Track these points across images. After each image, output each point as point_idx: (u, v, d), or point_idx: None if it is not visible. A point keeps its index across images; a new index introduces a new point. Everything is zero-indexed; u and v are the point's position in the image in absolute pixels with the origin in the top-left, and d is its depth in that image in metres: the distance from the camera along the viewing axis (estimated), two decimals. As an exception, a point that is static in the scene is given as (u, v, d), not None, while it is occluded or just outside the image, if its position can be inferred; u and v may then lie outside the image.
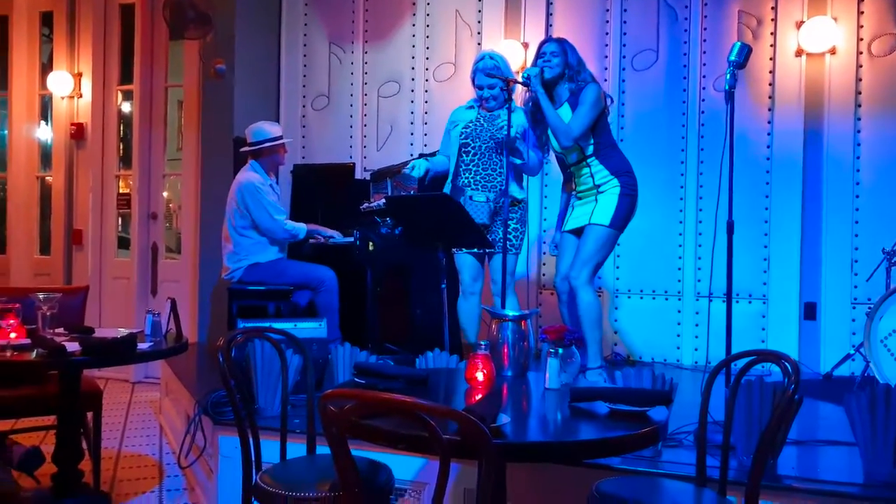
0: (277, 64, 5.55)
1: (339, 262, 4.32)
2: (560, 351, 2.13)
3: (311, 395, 2.27)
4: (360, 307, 4.31)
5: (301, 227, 4.30)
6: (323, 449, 1.94)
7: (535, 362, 2.49)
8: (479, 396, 1.86)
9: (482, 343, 2.07)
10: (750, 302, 4.62)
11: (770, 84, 4.62)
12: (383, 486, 1.98)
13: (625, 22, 4.86)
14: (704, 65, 4.73)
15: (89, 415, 3.10)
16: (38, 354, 2.51)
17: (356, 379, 2.01)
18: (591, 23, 4.93)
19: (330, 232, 4.40)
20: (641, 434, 1.66)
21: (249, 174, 4.26)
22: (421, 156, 4.29)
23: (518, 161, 3.60)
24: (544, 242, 4.94)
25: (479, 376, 1.96)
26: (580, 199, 3.56)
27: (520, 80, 3.53)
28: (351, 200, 4.65)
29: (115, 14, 5.88)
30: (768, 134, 4.63)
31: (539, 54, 3.52)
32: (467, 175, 3.67)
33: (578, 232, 3.51)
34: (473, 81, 3.71)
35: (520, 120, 3.60)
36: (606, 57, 4.87)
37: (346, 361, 3.17)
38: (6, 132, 6.31)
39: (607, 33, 4.88)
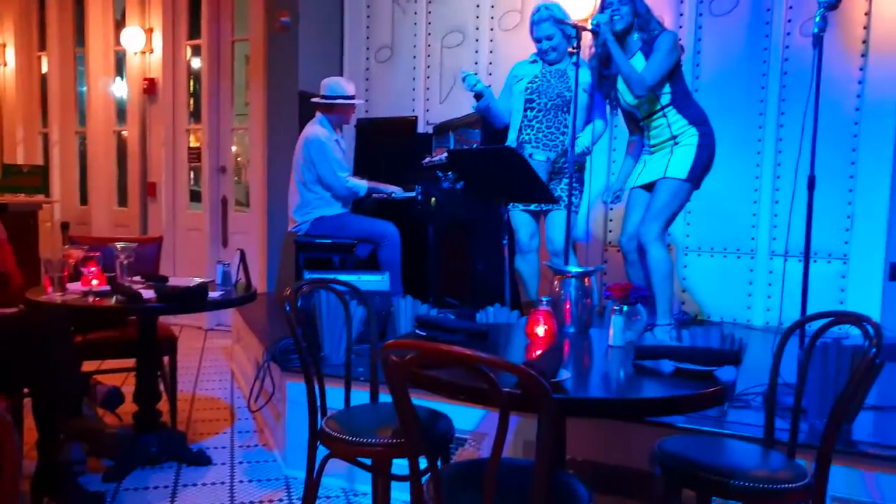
0: (341, 15, 5.52)
1: (401, 217, 4.34)
2: (625, 308, 2.09)
3: (374, 345, 2.31)
4: (422, 262, 4.33)
5: (362, 185, 4.33)
6: (386, 398, 1.97)
7: (598, 319, 2.45)
8: (539, 352, 1.85)
9: (543, 299, 2.05)
10: (829, 262, 4.42)
11: (864, 27, 4.30)
12: (443, 434, 2.00)
13: (702, -36, 4.62)
14: (790, 7, 4.45)
15: (166, 359, 3.25)
16: (117, 301, 2.63)
17: (417, 331, 2.02)
18: (665, -34, 4.70)
19: (391, 188, 4.42)
20: (707, 394, 1.62)
21: (317, 128, 4.29)
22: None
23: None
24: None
25: (540, 332, 1.94)
26: (653, 152, 3.45)
27: (589, 27, 3.40)
28: (413, 155, 4.65)
29: (183, -32, 5.96)
30: (859, 82, 4.34)
31: (606, 4, 3.38)
32: (529, 132, 3.60)
33: (650, 187, 3.41)
34: (532, 35, 3.60)
35: (585, 78, 3.49)
36: (682, 2, 4.65)
37: (408, 314, 3.20)
38: (85, 88, 6.52)
39: (683, -24, 4.66)
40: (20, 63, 6.69)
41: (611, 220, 4.87)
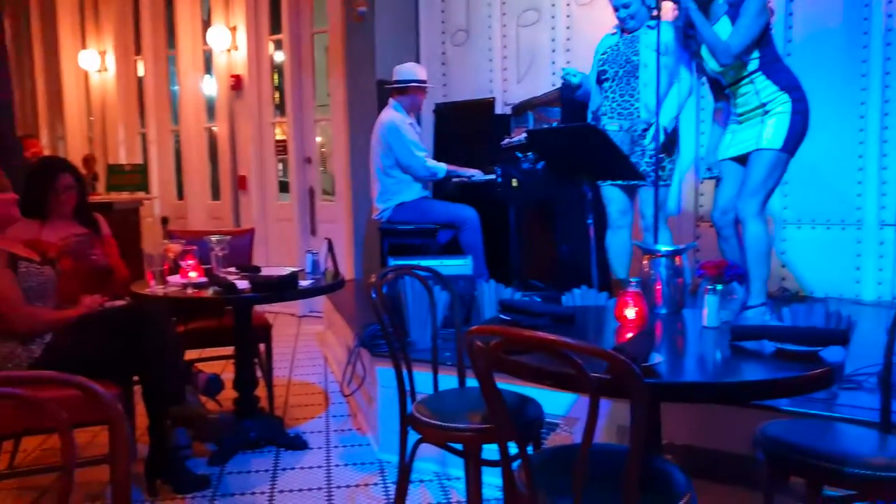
0: (416, 2, 5.51)
1: (482, 200, 4.32)
2: (719, 287, 1.99)
3: (459, 330, 2.31)
4: (505, 244, 4.30)
5: (441, 167, 4.34)
6: (473, 382, 1.96)
7: (690, 299, 2.36)
8: (629, 335, 1.79)
9: (633, 280, 1.99)
10: (947, 230, 4.10)
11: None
12: (533, 419, 1.98)
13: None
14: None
15: (262, 346, 3.36)
16: (214, 292, 2.75)
17: (501, 315, 2.00)
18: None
19: (470, 171, 4.41)
20: (813, 376, 1.52)
21: (392, 113, 4.34)
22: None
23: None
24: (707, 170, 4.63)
25: (630, 314, 1.89)
26: (741, 122, 3.28)
27: None
28: (492, 136, 4.61)
29: (263, -35, 6.11)
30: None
31: None
32: (606, 103, 3.51)
33: (742, 159, 3.24)
34: (611, 3, 3.49)
35: (666, 38, 3.33)
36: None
37: (492, 298, 3.19)
38: (177, 88, 6.81)
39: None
40: (119, 68, 7.06)
41: (702, 195, 4.68)
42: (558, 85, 4.45)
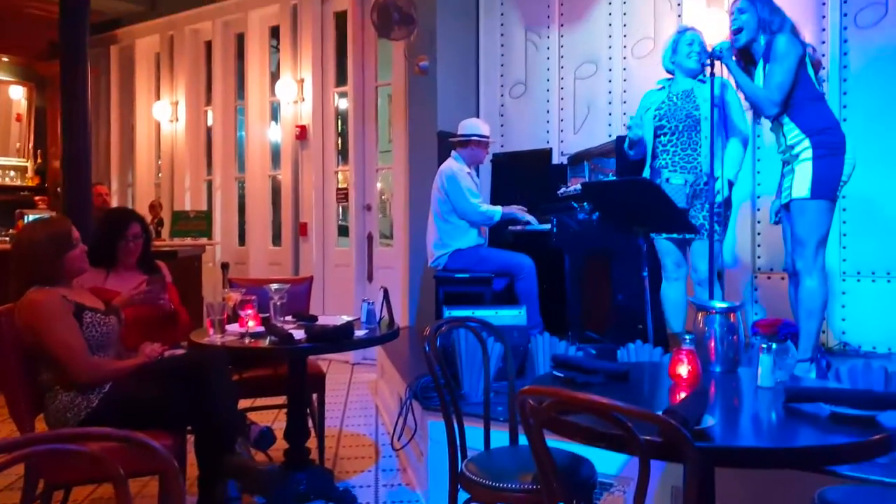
0: (476, 56, 5.67)
1: (538, 249, 4.35)
2: (774, 346, 1.97)
3: (512, 385, 2.32)
4: (560, 294, 4.30)
5: (496, 210, 4.40)
6: (525, 439, 1.97)
7: (746, 356, 2.32)
8: (682, 394, 1.79)
9: (687, 336, 1.98)
10: None
11: None
12: (585, 479, 1.97)
13: (847, -25, 4.32)
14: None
15: (314, 396, 3.41)
16: (271, 342, 2.77)
17: (555, 372, 2.02)
18: (806, -23, 4.44)
19: (527, 217, 4.44)
20: (871, 442, 1.49)
21: (451, 163, 4.47)
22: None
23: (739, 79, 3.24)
24: (758, 222, 4.57)
25: (684, 372, 1.88)
26: (785, 165, 3.25)
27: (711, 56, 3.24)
28: (548, 185, 4.66)
29: (330, 22, 6.39)
30: None
31: (731, 16, 3.25)
32: (665, 157, 3.52)
33: (789, 207, 3.21)
34: (675, 50, 3.54)
35: (721, 91, 3.36)
36: (824, 17, 4.36)
37: (546, 351, 3.19)
38: (244, 137, 7.11)
39: (825, -11, 4.37)
40: (189, 118, 7.42)
41: (759, 246, 4.60)
42: (614, 136, 4.49)
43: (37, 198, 7.43)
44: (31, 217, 5.93)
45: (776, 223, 3.43)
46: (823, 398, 1.67)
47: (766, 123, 3.47)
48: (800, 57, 3.06)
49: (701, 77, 3.46)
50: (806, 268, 3.07)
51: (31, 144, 8.26)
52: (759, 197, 4.57)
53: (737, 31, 3.19)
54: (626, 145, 3.68)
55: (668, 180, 3.44)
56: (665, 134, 3.52)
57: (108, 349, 2.61)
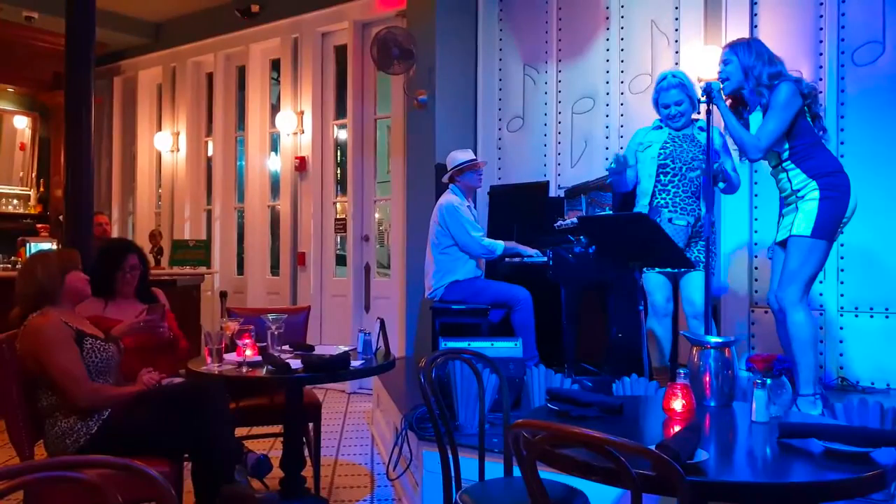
0: (474, 90, 5.74)
1: (534, 281, 4.36)
2: (768, 381, 1.99)
3: (507, 418, 2.33)
4: (556, 326, 4.32)
5: (498, 244, 4.43)
6: (520, 470, 1.98)
7: (741, 391, 2.33)
8: (676, 429, 1.80)
9: (681, 371, 2.00)
10: None
11: None
12: (579, 513, 1.97)
13: (843, 14, 4.40)
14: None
15: (311, 425, 3.41)
16: (268, 371, 2.82)
17: (549, 405, 2.03)
18: (802, 16, 4.52)
19: (530, 251, 4.47)
20: (865, 478, 1.51)
21: (449, 196, 4.50)
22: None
23: (722, 185, 3.46)
24: (755, 256, 4.60)
25: (678, 407, 1.89)
26: (786, 205, 3.31)
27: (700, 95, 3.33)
28: (545, 218, 4.69)
29: (330, 55, 6.50)
30: None
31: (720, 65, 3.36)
32: (665, 196, 3.57)
33: (785, 244, 3.25)
34: (657, 102, 3.65)
35: (717, 140, 3.46)
36: (821, 54, 4.45)
37: (541, 384, 3.20)
38: (244, 164, 7.18)
39: (821, 28, 4.45)
40: (190, 148, 7.49)
41: (756, 280, 4.63)
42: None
43: (39, 226, 7.45)
44: (34, 245, 5.98)
45: (771, 258, 3.48)
46: (817, 434, 1.68)
47: (764, 166, 3.54)
48: (798, 109, 3.14)
49: (700, 124, 3.53)
50: (792, 303, 3.10)
51: (34, 173, 8.31)
52: (756, 231, 4.61)
53: (723, 81, 3.27)
54: (608, 176, 3.72)
55: (670, 220, 3.49)
56: (667, 174, 3.58)
57: (108, 375, 2.66)
